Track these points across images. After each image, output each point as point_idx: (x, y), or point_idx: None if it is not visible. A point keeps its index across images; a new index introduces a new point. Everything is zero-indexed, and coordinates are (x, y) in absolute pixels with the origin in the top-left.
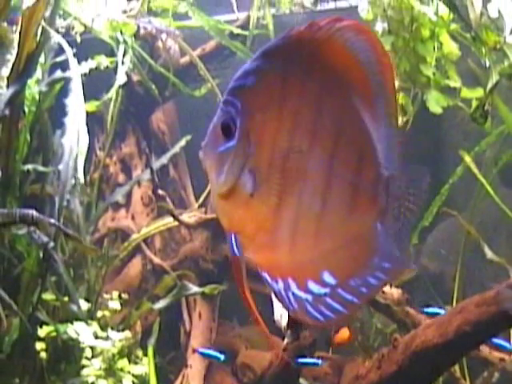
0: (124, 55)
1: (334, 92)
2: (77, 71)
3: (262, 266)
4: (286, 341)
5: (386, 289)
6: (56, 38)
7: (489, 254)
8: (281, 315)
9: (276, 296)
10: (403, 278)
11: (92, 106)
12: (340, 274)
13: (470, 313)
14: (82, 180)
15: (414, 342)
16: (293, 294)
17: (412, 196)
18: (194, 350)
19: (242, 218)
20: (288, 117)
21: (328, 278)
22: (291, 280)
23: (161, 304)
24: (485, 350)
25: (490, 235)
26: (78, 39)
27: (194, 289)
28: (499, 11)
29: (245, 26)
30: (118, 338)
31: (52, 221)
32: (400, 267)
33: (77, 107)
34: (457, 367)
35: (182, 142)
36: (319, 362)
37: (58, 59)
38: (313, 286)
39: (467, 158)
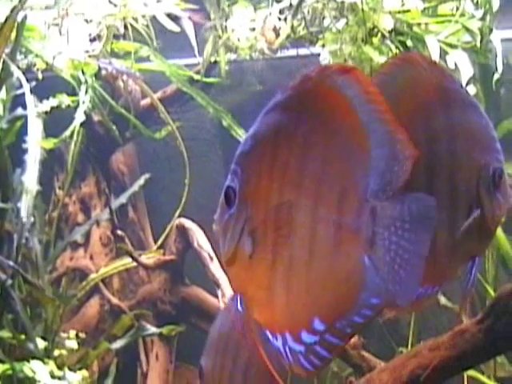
0: (85, 94)
1: (319, 135)
2: (34, 109)
3: (263, 324)
4: None
5: None
6: (16, 74)
7: (442, 300)
8: None
9: (277, 353)
10: None
11: (49, 143)
12: (328, 317)
13: (423, 357)
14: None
15: None
16: (289, 347)
17: (408, 223)
18: None
19: (245, 280)
20: (277, 174)
21: (318, 324)
22: (288, 334)
23: (118, 344)
24: None
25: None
26: (40, 76)
27: (152, 329)
28: (455, 64)
29: (206, 70)
30: (75, 378)
31: (11, 263)
32: (388, 303)
33: (34, 145)
34: None
35: (141, 181)
36: None
37: (20, 96)
38: (305, 336)
39: None
